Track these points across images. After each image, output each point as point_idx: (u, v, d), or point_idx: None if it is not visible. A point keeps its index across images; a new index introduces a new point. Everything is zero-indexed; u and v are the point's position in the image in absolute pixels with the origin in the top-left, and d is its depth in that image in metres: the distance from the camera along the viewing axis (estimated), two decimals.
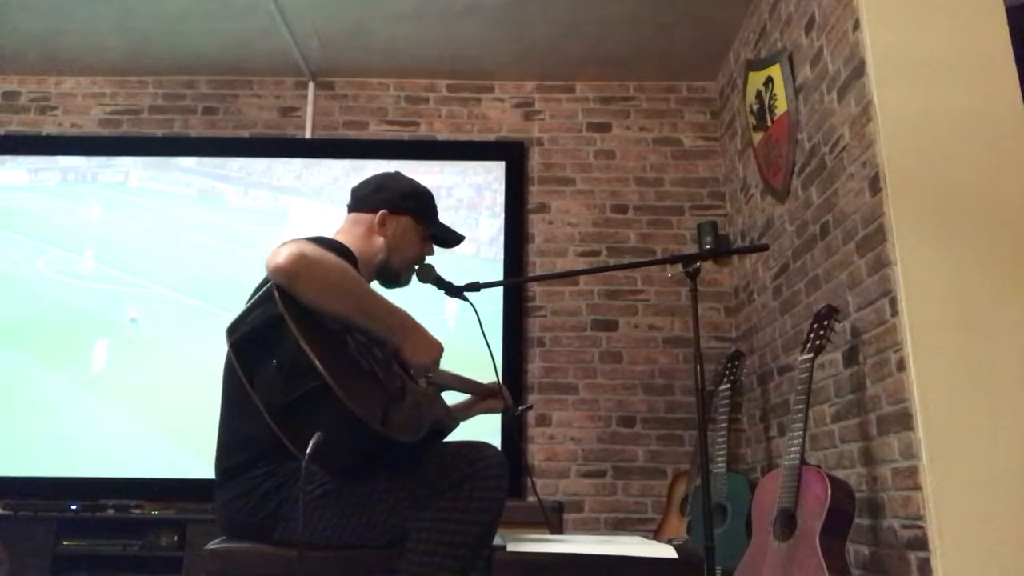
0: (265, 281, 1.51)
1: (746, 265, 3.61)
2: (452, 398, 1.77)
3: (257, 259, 3.54)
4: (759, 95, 3.31)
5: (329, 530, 1.46)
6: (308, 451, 1.29)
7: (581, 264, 3.80)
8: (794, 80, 2.99)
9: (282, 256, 1.37)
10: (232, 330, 1.42)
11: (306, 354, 1.30)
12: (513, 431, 3.43)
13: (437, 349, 1.53)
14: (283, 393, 1.33)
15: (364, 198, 1.78)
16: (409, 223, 1.77)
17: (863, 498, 2.33)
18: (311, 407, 1.32)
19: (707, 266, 3.76)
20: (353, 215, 1.78)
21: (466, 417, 1.89)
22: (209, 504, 2.78)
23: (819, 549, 2.09)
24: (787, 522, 2.24)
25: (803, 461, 2.28)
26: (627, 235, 3.87)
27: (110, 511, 3.21)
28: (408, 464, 1.47)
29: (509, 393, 1.94)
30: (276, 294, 1.36)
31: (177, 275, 3.72)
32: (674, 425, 3.61)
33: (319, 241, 1.49)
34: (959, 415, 2.04)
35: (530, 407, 2.81)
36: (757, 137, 3.37)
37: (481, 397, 1.92)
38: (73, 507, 3.19)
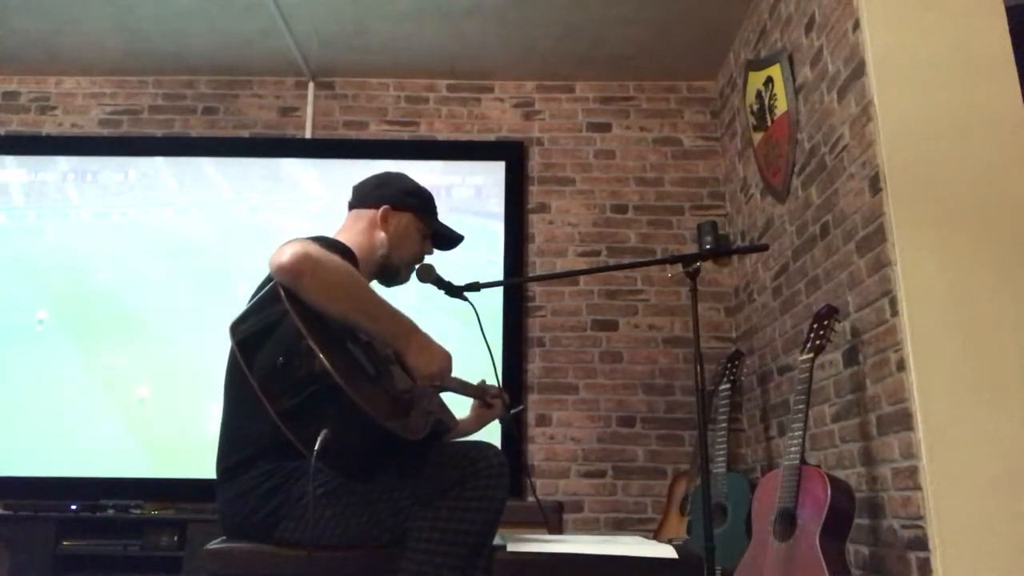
0: (268, 279, 1.51)
1: (746, 265, 3.61)
2: (453, 403, 1.76)
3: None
4: (759, 95, 3.31)
5: (330, 529, 1.46)
6: (316, 448, 1.28)
7: (581, 264, 3.80)
8: (794, 80, 2.99)
9: (286, 255, 1.36)
10: (236, 328, 1.40)
11: (313, 353, 1.29)
12: (513, 431, 3.42)
13: (444, 358, 1.50)
14: (289, 393, 1.32)
15: (366, 194, 1.79)
16: (411, 219, 1.78)
17: (863, 498, 2.33)
18: (318, 406, 1.31)
19: (707, 266, 3.75)
20: (355, 211, 1.79)
21: (473, 432, 1.89)
22: (209, 504, 2.78)
23: (819, 549, 2.09)
24: (787, 522, 2.24)
25: (803, 461, 2.28)
26: (627, 235, 3.87)
27: (110, 511, 3.21)
28: (409, 463, 1.47)
29: (506, 395, 1.95)
30: (281, 293, 1.36)
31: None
32: (674, 425, 3.61)
33: (322, 241, 1.48)
34: (959, 415, 2.04)
35: (521, 408, 2.80)
36: (757, 137, 3.38)
37: (480, 401, 1.92)
38: (73, 507, 3.18)
